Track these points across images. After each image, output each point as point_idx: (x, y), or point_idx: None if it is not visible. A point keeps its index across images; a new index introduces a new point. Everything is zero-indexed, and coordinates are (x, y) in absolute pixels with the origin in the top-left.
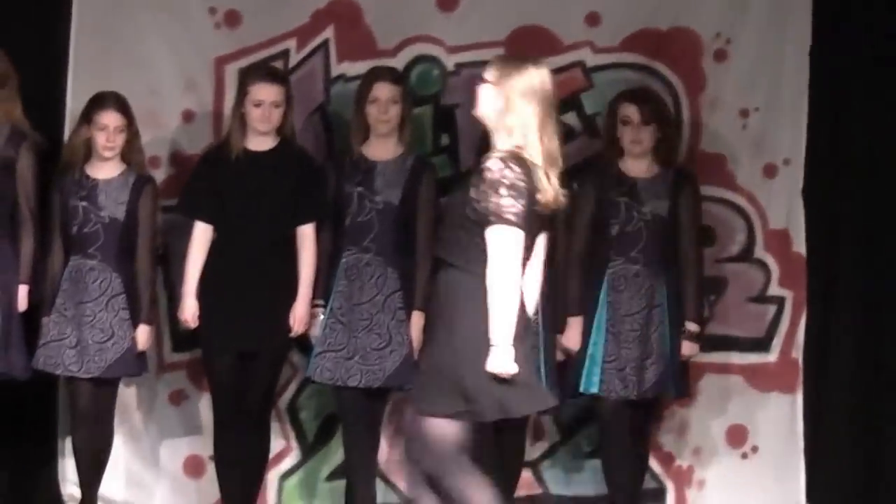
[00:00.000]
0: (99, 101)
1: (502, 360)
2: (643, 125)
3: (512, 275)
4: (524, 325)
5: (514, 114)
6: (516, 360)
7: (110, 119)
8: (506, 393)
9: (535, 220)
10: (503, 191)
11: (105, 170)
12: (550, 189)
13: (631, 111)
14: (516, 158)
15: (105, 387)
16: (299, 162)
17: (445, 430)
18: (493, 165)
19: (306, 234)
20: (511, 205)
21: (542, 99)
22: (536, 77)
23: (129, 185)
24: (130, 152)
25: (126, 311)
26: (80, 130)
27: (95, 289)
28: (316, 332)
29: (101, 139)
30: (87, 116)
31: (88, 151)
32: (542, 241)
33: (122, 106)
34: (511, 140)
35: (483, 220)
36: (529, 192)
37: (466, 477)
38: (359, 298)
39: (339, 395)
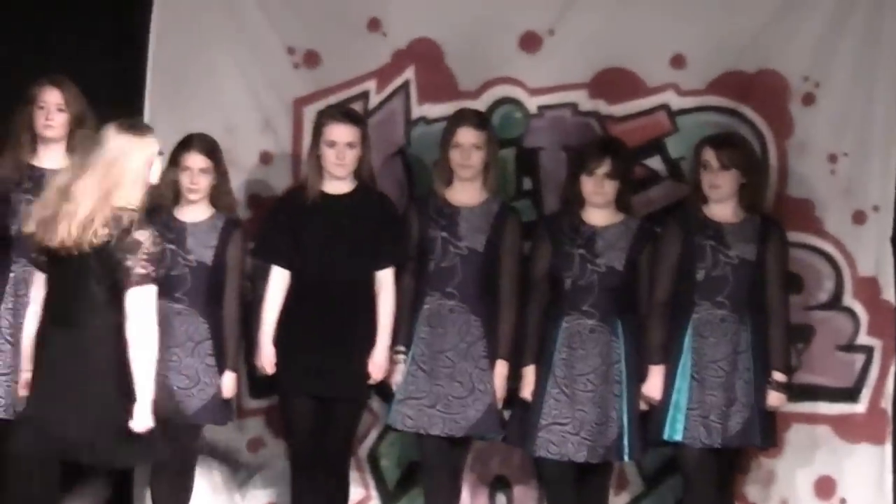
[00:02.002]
0: (184, 143)
1: None
2: (722, 170)
3: None
4: None
5: None
6: None
7: (194, 161)
8: None
9: None
10: None
11: (193, 213)
12: None
13: (710, 156)
14: None
15: (188, 434)
16: (378, 205)
17: None
18: None
19: (385, 279)
20: None
21: None
22: None
23: (218, 229)
24: (219, 195)
25: (212, 357)
26: (167, 172)
27: (182, 334)
28: (397, 378)
29: (185, 181)
30: (174, 158)
31: (177, 194)
32: None
33: (207, 148)
34: None
35: None
36: None
37: None
38: (441, 346)
39: (421, 443)
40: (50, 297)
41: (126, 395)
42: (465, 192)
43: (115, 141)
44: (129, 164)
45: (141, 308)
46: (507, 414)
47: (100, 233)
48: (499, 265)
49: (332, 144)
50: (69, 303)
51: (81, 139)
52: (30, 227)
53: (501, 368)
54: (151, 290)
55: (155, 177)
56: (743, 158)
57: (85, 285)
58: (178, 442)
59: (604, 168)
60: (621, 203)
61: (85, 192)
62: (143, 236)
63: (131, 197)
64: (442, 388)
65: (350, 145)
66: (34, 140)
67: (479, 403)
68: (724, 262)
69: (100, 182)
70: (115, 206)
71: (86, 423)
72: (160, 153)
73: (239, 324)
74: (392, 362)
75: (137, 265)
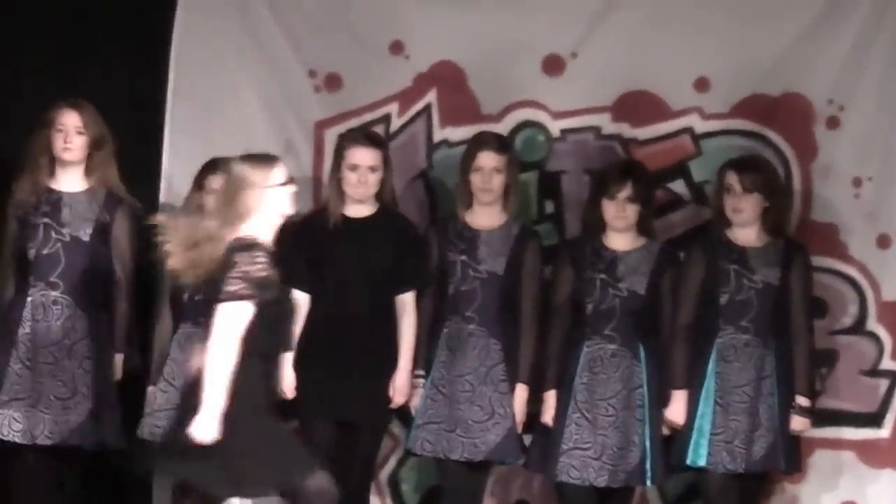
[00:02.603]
0: (210, 167)
1: None
2: (745, 194)
3: None
4: None
5: None
6: None
7: (220, 184)
8: None
9: None
10: None
11: None
12: None
13: (733, 180)
14: None
15: None
16: (399, 229)
17: None
18: None
19: (407, 303)
20: None
21: None
22: None
23: None
24: None
25: None
26: (192, 196)
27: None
28: (416, 403)
29: (210, 204)
30: (199, 182)
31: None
32: None
33: None
34: None
35: None
36: None
37: None
38: (460, 369)
39: (441, 467)
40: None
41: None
42: (485, 216)
43: (237, 172)
44: (250, 194)
45: (224, 323)
46: (526, 439)
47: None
48: (519, 289)
49: (354, 168)
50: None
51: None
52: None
53: (521, 392)
54: (239, 308)
55: (284, 207)
56: (766, 182)
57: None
58: None
59: (625, 192)
60: (643, 227)
61: (212, 225)
62: (241, 256)
63: (254, 227)
64: (461, 413)
65: (372, 169)
66: (52, 163)
67: (498, 428)
68: (747, 287)
69: (224, 214)
70: (237, 237)
71: None
72: (286, 183)
73: None
74: (413, 387)
75: (230, 282)
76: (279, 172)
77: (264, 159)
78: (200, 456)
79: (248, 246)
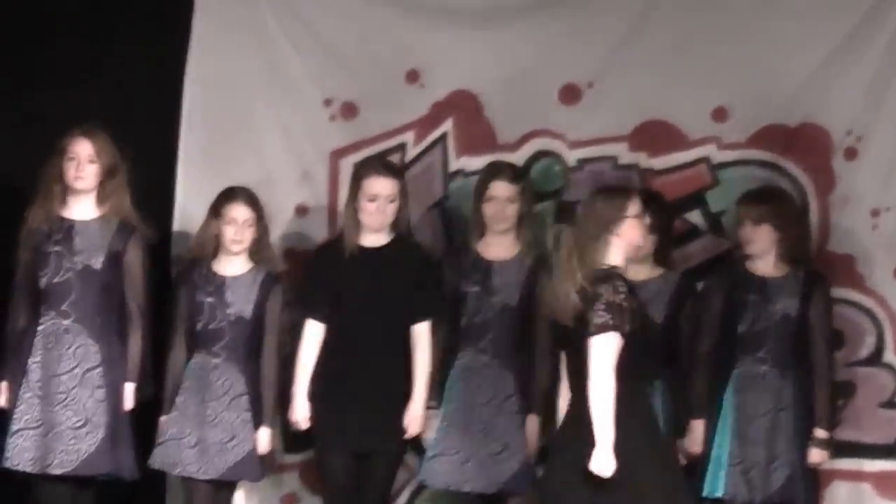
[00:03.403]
0: (228, 195)
1: None
2: (754, 226)
3: None
4: None
5: None
6: None
7: (239, 213)
8: None
9: None
10: None
11: (233, 266)
12: None
13: (743, 212)
14: None
15: (222, 490)
16: (415, 258)
17: None
18: None
19: (422, 333)
20: None
21: None
22: None
23: (258, 283)
24: (259, 249)
25: (248, 412)
26: (209, 224)
27: (219, 388)
28: (429, 434)
29: (228, 233)
30: (217, 210)
31: (216, 246)
32: None
33: (251, 200)
34: None
35: None
36: None
37: None
38: (474, 401)
39: (455, 499)
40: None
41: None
42: (499, 246)
43: (590, 202)
44: (597, 223)
45: (598, 356)
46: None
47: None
48: (533, 320)
49: (373, 198)
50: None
51: None
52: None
53: (533, 424)
54: (609, 339)
55: (638, 238)
56: (776, 213)
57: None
58: (213, 497)
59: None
60: (661, 257)
61: (567, 259)
62: (604, 288)
63: (601, 254)
64: (475, 444)
65: (391, 198)
66: (65, 191)
67: (512, 460)
68: (765, 317)
69: (576, 246)
70: (588, 267)
71: None
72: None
73: (276, 379)
74: (426, 418)
75: (596, 315)
76: (635, 204)
77: (621, 192)
78: (606, 490)
79: (609, 276)
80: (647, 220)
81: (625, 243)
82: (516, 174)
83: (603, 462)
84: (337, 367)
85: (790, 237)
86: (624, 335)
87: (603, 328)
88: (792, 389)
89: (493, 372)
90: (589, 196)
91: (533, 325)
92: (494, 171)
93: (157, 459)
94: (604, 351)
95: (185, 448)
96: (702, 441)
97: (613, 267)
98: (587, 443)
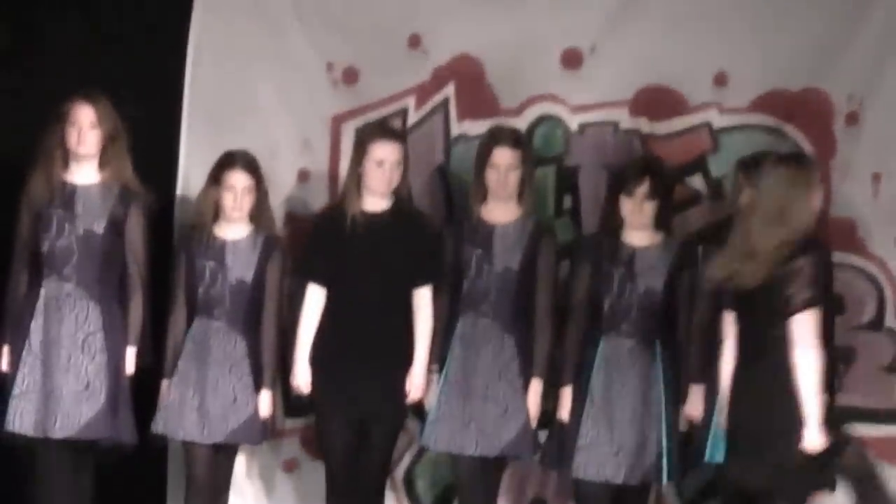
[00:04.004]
0: (227, 161)
1: None
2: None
3: None
4: None
5: None
6: None
7: (238, 179)
8: None
9: None
10: None
11: (233, 230)
12: None
13: (742, 178)
14: None
15: (224, 454)
16: (416, 224)
17: None
18: None
19: (423, 298)
20: None
21: None
22: None
23: (258, 248)
24: (259, 213)
25: (249, 376)
26: (208, 191)
27: (219, 352)
28: (430, 398)
29: (228, 200)
30: (216, 176)
31: (216, 211)
32: None
33: (250, 166)
34: None
35: None
36: None
37: None
38: (475, 365)
39: (457, 463)
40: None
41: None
42: (501, 211)
43: (787, 176)
44: (807, 196)
45: (805, 331)
46: (541, 435)
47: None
48: (534, 284)
49: (380, 163)
50: (758, 339)
51: None
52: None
53: (536, 387)
54: (817, 314)
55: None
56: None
57: (768, 321)
58: (214, 461)
59: (643, 188)
60: (661, 223)
61: (757, 227)
62: (805, 261)
63: (798, 224)
64: (476, 408)
65: (397, 164)
66: (66, 157)
67: (513, 423)
68: None
69: (767, 216)
70: (782, 238)
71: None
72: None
73: (276, 343)
74: (428, 382)
75: (802, 289)
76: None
77: (803, 159)
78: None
79: (810, 246)
80: (646, 189)
81: (813, 212)
82: (518, 140)
83: (816, 438)
84: (338, 332)
85: None
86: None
87: (811, 303)
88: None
89: (494, 336)
90: (775, 163)
91: (534, 290)
92: (496, 137)
93: (160, 424)
94: (812, 326)
95: (186, 413)
96: (702, 406)
97: (810, 235)
98: (785, 419)
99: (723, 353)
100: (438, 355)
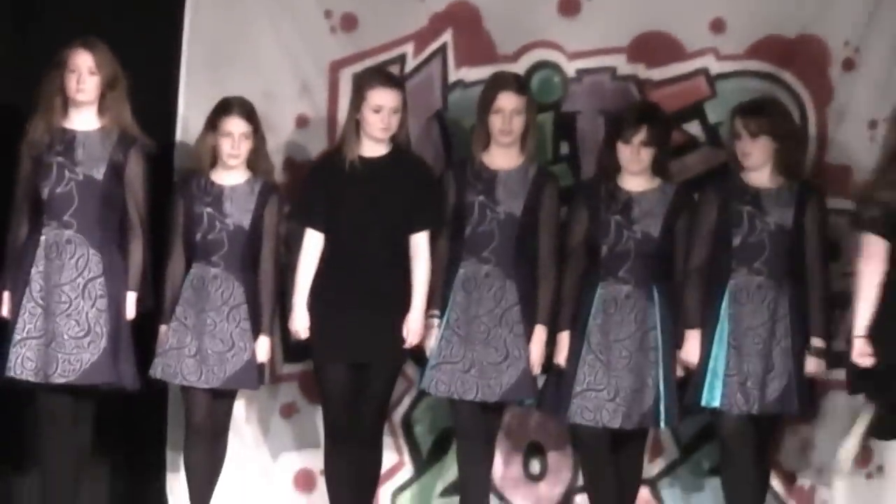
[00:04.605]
0: (224, 108)
1: None
2: (751, 139)
3: None
4: None
5: None
6: None
7: (235, 126)
8: None
9: None
10: None
11: (231, 176)
12: None
13: (739, 125)
14: None
15: (222, 399)
16: (414, 169)
17: None
18: None
19: (420, 243)
20: None
21: None
22: None
23: (256, 193)
24: (256, 159)
25: (247, 321)
26: (205, 137)
27: (217, 298)
28: (431, 343)
29: (225, 147)
30: (213, 123)
31: (214, 157)
32: None
33: (247, 112)
34: None
35: None
36: None
37: None
38: (476, 310)
39: (455, 408)
40: None
41: None
42: (503, 157)
43: None
44: None
45: None
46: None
47: None
48: (536, 230)
49: (378, 109)
50: None
51: None
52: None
53: (540, 334)
54: None
55: None
56: (772, 125)
57: None
58: (212, 406)
59: (640, 136)
60: (658, 168)
61: None
62: None
63: None
64: (477, 354)
65: (395, 110)
66: (66, 103)
67: (513, 369)
68: (760, 228)
69: None
70: None
71: None
72: None
73: (275, 288)
74: (427, 327)
75: None
76: None
77: None
78: None
79: None
80: (643, 136)
81: None
82: (522, 85)
83: None
84: (335, 278)
85: (787, 149)
86: None
87: None
88: (787, 301)
89: (495, 281)
90: None
91: (536, 236)
92: (500, 82)
93: (158, 369)
94: None
95: (184, 358)
96: (698, 351)
97: None
98: None
99: (865, 278)
100: (439, 301)
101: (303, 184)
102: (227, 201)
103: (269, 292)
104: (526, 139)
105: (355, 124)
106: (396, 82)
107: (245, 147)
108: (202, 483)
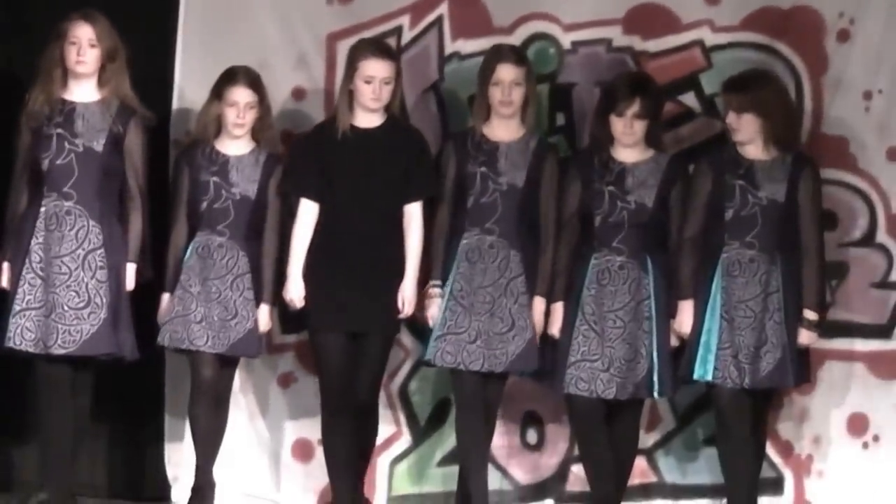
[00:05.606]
0: (230, 77)
1: None
2: (737, 114)
3: None
4: None
5: None
6: None
7: (241, 95)
8: None
9: None
10: None
11: (236, 146)
12: None
13: (726, 100)
14: None
15: (225, 367)
16: (407, 139)
17: None
18: None
19: (414, 213)
20: None
21: None
22: None
23: (261, 164)
24: (261, 129)
25: (251, 290)
26: (210, 106)
27: (222, 266)
28: (434, 313)
29: (230, 116)
30: (218, 92)
31: (218, 127)
32: None
33: (253, 82)
34: None
35: None
36: None
37: None
38: (480, 281)
39: (458, 378)
40: None
41: None
42: (504, 128)
43: None
44: None
45: None
46: None
47: None
48: (538, 201)
49: (369, 80)
50: None
51: None
52: None
53: (539, 305)
54: None
55: None
56: (756, 102)
57: None
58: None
59: (633, 108)
60: (652, 139)
61: None
62: None
63: None
64: (482, 324)
65: (386, 81)
66: (66, 75)
67: (519, 339)
68: (752, 202)
69: None
70: None
71: None
72: None
73: (277, 258)
74: (429, 297)
75: None
76: None
77: None
78: None
79: None
80: (636, 108)
81: None
82: (521, 57)
83: None
84: (330, 247)
85: (776, 122)
86: None
87: None
88: (780, 274)
89: (499, 252)
90: None
91: (539, 206)
92: (500, 54)
93: (166, 336)
94: None
95: (191, 323)
96: (691, 321)
97: None
98: None
99: None
100: (440, 271)
101: (295, 154)
102: (234, 171)
103: (271, 263)
104: (526, 111)
105: (348, 95)
106: (389, 53)
107: (250, 116)
108: (207, 443)
